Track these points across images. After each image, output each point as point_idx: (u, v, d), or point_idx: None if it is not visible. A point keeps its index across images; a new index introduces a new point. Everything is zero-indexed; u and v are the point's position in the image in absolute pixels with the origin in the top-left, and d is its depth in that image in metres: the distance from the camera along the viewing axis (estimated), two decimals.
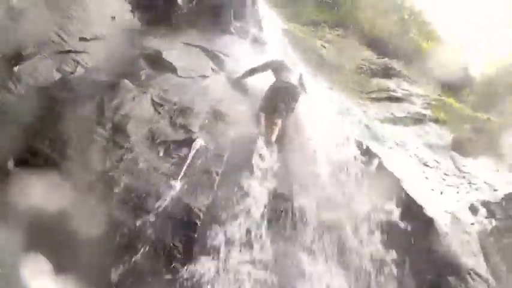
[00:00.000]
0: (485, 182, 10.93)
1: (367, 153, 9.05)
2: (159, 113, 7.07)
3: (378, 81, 16.35)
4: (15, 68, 7.00)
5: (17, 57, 7.11)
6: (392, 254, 7.48)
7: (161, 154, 6.62)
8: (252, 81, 9.09)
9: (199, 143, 6.76)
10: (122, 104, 6.86)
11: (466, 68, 19.89)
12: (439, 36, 22.37)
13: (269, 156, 7.61)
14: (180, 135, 6.92)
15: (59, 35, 7.60)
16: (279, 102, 8.25)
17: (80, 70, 7.50)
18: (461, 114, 14.84)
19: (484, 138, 13.09)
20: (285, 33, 14.89)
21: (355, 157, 8.87)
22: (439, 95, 16.81)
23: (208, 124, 7.45)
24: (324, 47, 18.07)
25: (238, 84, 8.90)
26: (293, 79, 8.89)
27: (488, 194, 10.27)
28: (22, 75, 6.94)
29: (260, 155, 7.37)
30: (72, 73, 7.34)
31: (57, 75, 7.20)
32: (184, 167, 6.52)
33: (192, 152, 6.62)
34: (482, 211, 9.50)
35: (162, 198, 6.08)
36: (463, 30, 25.80)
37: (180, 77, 8.13)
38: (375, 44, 19.80)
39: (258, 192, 6.69)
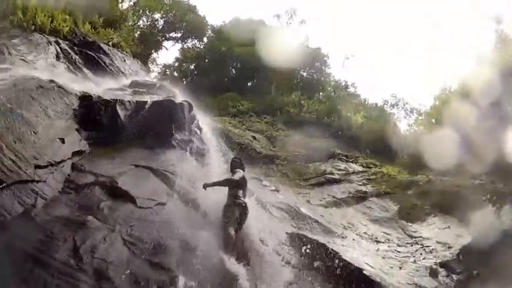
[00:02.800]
0: (437, 242, 11.73)
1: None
2: (134, 253, 7.16)
3: (314, 166, 17.28)
4: None
5: None
6: None
7: None
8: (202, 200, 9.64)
9: (182, 281, 7.03)
10: (96, 246, 6.89)
11: (397, 132, 21.63)
12: (367, 106, 23.61)
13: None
14: (162, 276, 7.03)
15: (14, 162, 7.41)
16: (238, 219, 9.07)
17: (40, 202, 7.38)
18: (401, 181, 15.73)
19: (428, 200, 14.02)
20: (218, 133, 15.56)
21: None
22: (374, 165, 17.95)
23: (183, 259, 7.57)
24: (255, 138, 19.08)
25: (195, 202, 9.48)
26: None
27: (443, 253, 11.10)
28: None
29: None
30: (33, 206, 7.20)
31: (19, 209, 7.02)
32: None
33: None
34: (442, 272, 10.29)
35: None
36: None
37: (141, 207, 8.29)
38: (304, 126, 21.08)
39: None
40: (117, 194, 8.41)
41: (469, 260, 10.34)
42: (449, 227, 12.37)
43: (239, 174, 9.68)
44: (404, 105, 28.79)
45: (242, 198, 9.25)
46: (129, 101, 11.39)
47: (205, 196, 9.40)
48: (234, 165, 10.15)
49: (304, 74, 27.15)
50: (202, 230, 8.57)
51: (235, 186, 9.36)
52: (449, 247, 11.26)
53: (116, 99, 11.10)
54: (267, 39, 26.78)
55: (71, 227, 7.11)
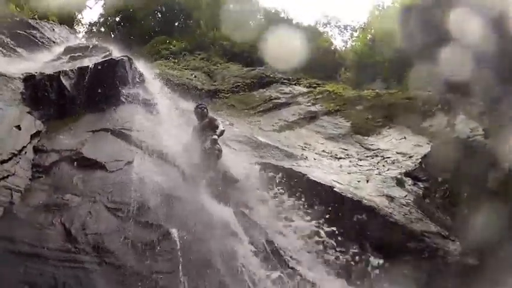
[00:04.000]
0: (397, 153, 12.30)
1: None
2: (121, 218, 7.26)
3: (259, 94, 17.55)
4: None
5: None
6: None
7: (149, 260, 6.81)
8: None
9: (175, 233, 7.18)
10: (85, 223, 6.96)
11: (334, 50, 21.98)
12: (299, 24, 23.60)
13: None
14: (155, 233, 7.20)
15: None
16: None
17: (15, 196, 7.31)
18: (349, 98, 16.19)
19: (379, 113, 14.50)
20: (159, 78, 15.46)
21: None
22: (317, 84, 18.34)
23: (169, 213, 7.73)
24: (194, 76, 19.06)
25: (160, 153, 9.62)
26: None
27: (405, 163, 11.67)
28: None
29: None
30: (11, 202, 7.12)
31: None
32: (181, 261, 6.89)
33: (178, 245, 7.05)
34: (408, 181, 10.88)
35: None
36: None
37: (112, 171, 8.38)
38: (240, 56, 21.26)
39: None
40: (85, 164, 8.49)
41: (432, 168, 10.84)
42: (405, 137, 12.90)
43: (219, 120, 10.26)
44: (337, 23, 28.97)
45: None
46: (72, 70, 11.18)
47: (167, 146, 9.68)
48: (202, 113, 10.40)
49: (231, 6, 26.74)
50: (177, 179, 8.87)
51: (211, 131, 9.67)
52: (410, 157, 11.84)
53: (59, 71, 10.92)
54: None
55: (54, 212, 7.16)
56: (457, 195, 9.96)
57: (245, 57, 20.62)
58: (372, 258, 8.84)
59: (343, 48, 25.08)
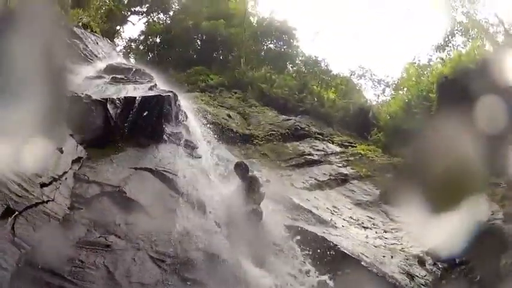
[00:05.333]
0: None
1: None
2: (165, 270, 7.28)
3: (292, 146, 17.53)
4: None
5: None
6: None
7: None
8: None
9: None
10: (129, 270, 6.99)
11: (369, 108, 22.13)
12: (338, 83, 23.98)
13: None
14: None
15: (20, 185, 7.13)
16: None
17: (53, 223, 7.26)
18: (380, 164, 16.13)
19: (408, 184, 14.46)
20: (197, 113, 15.69)
21: None
22: (349, 142, 18.43)
23: (210, 271, 7.75)
24: (230, 116, 19.17)
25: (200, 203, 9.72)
26: None
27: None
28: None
29: None
30: (48, 230, 7.05)
31: (36, 236, 6.80)
32: None
33: None
34: (429, 260, 10.74)
35: None
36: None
37: (155, 218, 8.38)
38: (276, 102, 21.34)
39: None
40: (128, 204, 8.54)
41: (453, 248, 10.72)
42: None
43: (260, 181, 10.57)
44: (371, 76, 29.28)
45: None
46: (119, 99, 11.30)
47: (207, 196, 9.85)
48: (243, 174, 10.63)
49: (272, 46, 27.10)
50: (218, 235, 8.93)
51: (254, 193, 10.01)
52: None
53: (107, 99, 11.07)
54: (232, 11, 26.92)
55: (97, 252, 7.18)
56: (471, 279, 9.84)
57: (281, 104, 20.59)
58: None
59: (375, 102, 25.07)
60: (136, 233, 7.84)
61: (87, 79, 13.48)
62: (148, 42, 29.36)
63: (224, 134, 15.80)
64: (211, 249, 8.25)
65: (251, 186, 10.14)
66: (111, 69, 15.10)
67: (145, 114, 11.30)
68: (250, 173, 10.75)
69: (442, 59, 20.05)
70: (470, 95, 13.24)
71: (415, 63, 22.86)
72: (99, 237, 7.49)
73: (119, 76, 14.20)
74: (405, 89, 22.01)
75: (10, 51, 7.20)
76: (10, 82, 7.11)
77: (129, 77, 14.53)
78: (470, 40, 21.11)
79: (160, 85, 14.25)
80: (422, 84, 18.76)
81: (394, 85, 25.96)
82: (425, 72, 20.68)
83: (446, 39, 22.38)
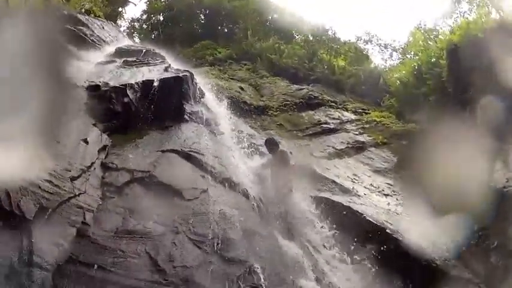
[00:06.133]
0: None
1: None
2: (206, 251, 7.34)
3: (307, 115, 17.73)
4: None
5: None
6: None
7: None
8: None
9: (259, 270, 7.31)
10: (171, 254, 7.04)
11: (379, 74, 22.10)
12: (347, 50, 23.92)
13: None
14: (240, 269, 7.30)
15: (51, 182, 7.07)
16: None
17: (88, 216, 7.27)
18: (396, 130, 16.25)
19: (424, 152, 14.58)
20: (212, 89, 15.76)
21: None
22: (363, 109, 18.55)
23: (249, 248, 7.82)
24: (242, 88, 19.29)
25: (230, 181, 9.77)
26: None
27: None
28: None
29: None
30: (84, 223, 7.10)
31: (72, 231, 6.88)
32: None
33: (262, 279, 7.17)
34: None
35: None
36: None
37: (189, 199, 8.44)
38: (287, 72, 21.44)
39: None
40: (160, 188, 8.60)
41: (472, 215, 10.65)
42: None
43: (289, 154, 10.97)
44: (378, 41, 29.19)
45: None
46: (137, 83, 11.40)
47: (236, 173, 9.94)
48: (272, 146, 11.15)
49: (276, 16, 26.93)
50: (252, 212, 9.07)
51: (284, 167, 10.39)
52: None
53: (126, 84, 11.15)
54: None
55: (137, 240, 7.29)
56: (488, 245, 9.94)
57: (291, 74, 20.66)
58: None
59: (382, 67, 25.03)
60: (173, 217, 7.90)
61: (99, 65, 13.52)
62: (152, 20, 29.26)
63: (238, 107, 15.77)
64: (247, 226, 8.38)
65: (282, 160, 10.24)
66: (120, 53, 15.20)
67: (165, 96, 11.36)
68: (280, 147, 11.02)
69: (450, 26, 19.96)
70: (480, 63, 13.29)
71: (421, 27, 22.72)
72: (137, 224, 7.57)
73: (130, 59, 14.27)
74: (412, 53, 21.91)
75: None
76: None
77: (141, 59, 14.53)
78: (475, 7, 20.90)
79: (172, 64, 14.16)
80: (431, 50, 18.64)
81: (401, 49, 25.81)
82: (432, 37, 20.55)
83: (453, 5, 22.15)
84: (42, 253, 6.27)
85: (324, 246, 9.69)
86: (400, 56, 25.99)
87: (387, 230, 10.07)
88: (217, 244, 7.55)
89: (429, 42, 20.38)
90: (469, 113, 14.02)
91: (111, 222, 7.56)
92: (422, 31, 22.06)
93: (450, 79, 15.70)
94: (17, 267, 6.02)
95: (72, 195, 7.32)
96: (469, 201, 10.45)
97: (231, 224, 8.17)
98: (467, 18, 20.05)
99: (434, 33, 21.20)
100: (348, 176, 13.20)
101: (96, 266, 6.62)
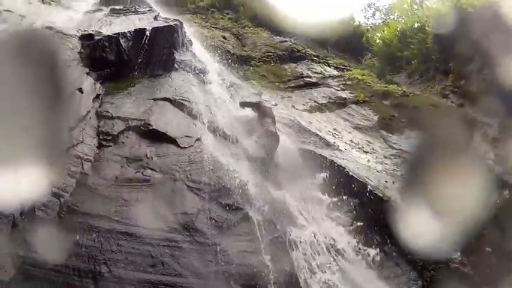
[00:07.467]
0: None
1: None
2: (204, 198, 7.57)
3: (290, 68, 17.92)
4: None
5: None
6: None
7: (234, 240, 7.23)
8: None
9: (254, 217, 7.66)
10: (172, 202, 7.31)
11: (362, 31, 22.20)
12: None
13: None
14: (237, 215, 7.61)
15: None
16: None
17: (86, 166, 7.46)
18: (377, 90, 16.47)
19: (404, 113, 14.88)
20: (199, 38, 15.79)
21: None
22: (344, 66, 18.89)
23: (243, 195, 8.08)
24: (225, 38, 19.29)
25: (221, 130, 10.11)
26: None
27: None
28: None
29: None
30: (83, 173, 7.30)
31: (72, 182, 7.07)
32: (261, 241, 7.40)
33: (256, 227, 7.52)
34: None
35: None
36: None
37: (184, 147, 8.65)
38: (269, 22, 21.06)
39: None
40: (156, 137, 8.88)
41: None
42: None
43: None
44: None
45: None
46: (130, 32, 11.46)
47: (227, 123, 10.22)
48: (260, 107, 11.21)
49: None
50: (242, 160, 9.34)
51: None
52: None
53: (119, 33, 11.22)
54: None
55: (137, 188, 7.58)
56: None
57: (274, 25, 20.42)
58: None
59: (364, 24, 25.08)
60: (170, 164, 8.16)
61: (88, 13, 13.65)
62: None
63: (222, 56, 15.78)
64: (241, 174, 8.66)
65: (266, 114, 10.62)
66: (107, 0, 15.13)
67: (156, 44, 11.52)
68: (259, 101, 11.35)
69: None
70: (467, 37, 13.60)
71: None
72: (136, 172, 7.84)
73: (118, 7, 14.35)
74: (396, 14, 22.04)
75: None
76: None
77: (128, 7, 14.61)
78: None
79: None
80: (416, 15, 18.87)
81: (384, 10, 25.85)
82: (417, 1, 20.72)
83: None
84: (45, 206, 6.59)
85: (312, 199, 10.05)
86: (383, 16, 25.91)
87: (368, 186, 10.44)
88: (215, 192, 7.91)
89: (414, 6, 20.43)
90: (451, 82, 14.35)
91: (109, 171, 7.80)
92: None
93: (435, 47, 16.15)
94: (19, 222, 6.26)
95: (70, 145, 7.61)
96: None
97: (226, 172, 8.44)
98: None
99: None
100: (328, 131, 13.49)
101: (100, 215, 6.91)
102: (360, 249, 9.53)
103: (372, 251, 9.40)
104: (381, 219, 9.83)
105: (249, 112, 11.29)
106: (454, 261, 9.31)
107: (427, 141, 11.30)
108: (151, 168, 8.03)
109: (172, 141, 8.77)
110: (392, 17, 23.21)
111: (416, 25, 18.26)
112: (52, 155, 6.73)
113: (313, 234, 8.90)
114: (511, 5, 13.36)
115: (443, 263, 9.27)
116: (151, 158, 8.27)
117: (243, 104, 11.38)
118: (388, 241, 9.54)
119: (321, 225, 9.44)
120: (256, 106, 11.14)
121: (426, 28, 17.05)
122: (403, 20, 20.47)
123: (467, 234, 8.94)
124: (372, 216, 9.99)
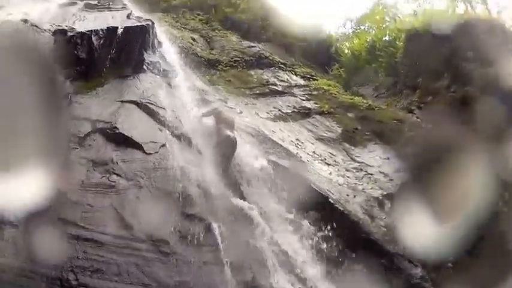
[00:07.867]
0: (380, 172, 12.76)
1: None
2: (168, 207, 7.63)
3: (256, 74, 17.95)
4: None
5: None
6: None
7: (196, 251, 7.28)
8: None
9: (216, 228, 7.76)
10: (136, 210, 7.35)
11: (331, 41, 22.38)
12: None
13: None
14: (198, 226, 7.67)
15: None
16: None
17: None
18: (343, 102, 16.65)
19: (368, 126, 15.09)
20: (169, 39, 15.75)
21: None
22: (311, 75, 19.02)
23: (205, 205, 8.23)
24: (194, 40, 19.27)
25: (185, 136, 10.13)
26: None
27: (386, 184, 12.20)
28: None
29: None
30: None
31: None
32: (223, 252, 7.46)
33: (219, 238, 7.64)
34: (388, 204, 11.45)
35: None
36: None
37: (150, 153, 8.72)
38: (239, 27, 21.42)
39: None
40: (122, 141, 8.93)
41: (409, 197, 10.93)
42: (388, 158, 13.29)
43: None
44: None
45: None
46: (102, 29, 11.36)
47: (191, 129, 10.30)
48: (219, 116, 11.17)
49: None
50: (205, 168, 9.42)
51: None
52: (391, 179, 12.32)
53: (91, 30, 11.11)
54: None
55: (103, 193, 7.58)
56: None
57: (244, 29, 20.67)
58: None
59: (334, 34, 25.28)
60: (135, 170, 8.21)
61: (62, 6, 13.51)
62: None
63: (190, 58, 15.76)
64: (203, 183, 8.77)
65: (226, 122, 10.78)
66: None
67: (127, 44, 11.62)
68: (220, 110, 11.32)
69: (414, 11, 20.66)
70: (439, 53, 13.92)
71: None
72: (102, 177, 7.84)
73: (92, 2, 14.38)
74: (367, 24, 22.32)
75: None
76: None
77: (102, 3, 14.62)
78: None
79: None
80: (387, 28, 19.15)
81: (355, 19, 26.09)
82: (390, 14, 21.01)
83: None
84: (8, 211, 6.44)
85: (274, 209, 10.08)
86: (353, 26, 26.17)
87: (329, 199, 10.61)
88: (179, 201, 7.98)
89: (387, 18, 20.73)
90: (418, 98, 14.65)
91: (76, 174, 7.79)
92: (381, 6, 22.32)
93: (405, 61, 16.42)
94: None
95: None
96: None
97: (191, 181, 8.55)
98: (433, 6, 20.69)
99: (393, 10, 21.50)
100: (291, 141, 13.54)
101: (66, 221, 6.91)
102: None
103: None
104: (343, 233, 9.98)
105: (211, 119, 11.27)
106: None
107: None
108: (116, 174, 8.05)
109: (138, 146, 8.82)
110: (363, 27, 23.18)
111: (387, 38, 18.42)
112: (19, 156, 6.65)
113: (276, 246, 8.96)
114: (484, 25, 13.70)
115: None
116: (117, 163, 8.31)
117: (206, 113, 11.32)
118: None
119: (281, 236, 9.46)
120: (217, 114, 11.04)
121: (397, 42, 17.33)
122: (373, 32, 20.42)
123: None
124: (334, 229, 10.01)
